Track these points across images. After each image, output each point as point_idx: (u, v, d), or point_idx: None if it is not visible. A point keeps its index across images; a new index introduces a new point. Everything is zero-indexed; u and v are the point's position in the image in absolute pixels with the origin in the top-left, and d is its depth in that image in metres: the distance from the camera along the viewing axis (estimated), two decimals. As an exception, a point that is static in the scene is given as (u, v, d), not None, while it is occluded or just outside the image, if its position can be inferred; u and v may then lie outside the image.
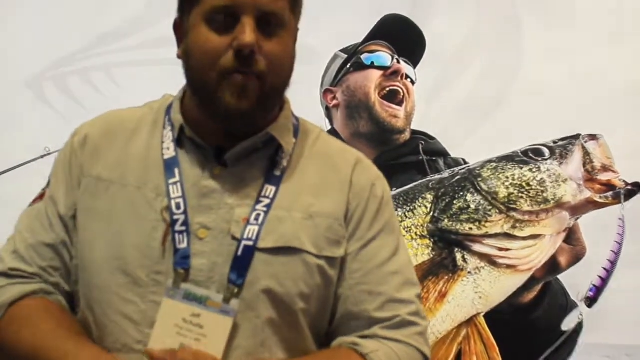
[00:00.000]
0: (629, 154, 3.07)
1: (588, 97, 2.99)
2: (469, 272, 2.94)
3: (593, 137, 3.04)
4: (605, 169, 3.00)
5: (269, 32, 1.41)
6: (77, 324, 1.51)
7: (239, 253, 1.43)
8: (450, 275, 2.94)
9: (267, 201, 1.47)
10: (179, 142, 1.52)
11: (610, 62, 3.01)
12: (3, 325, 1.50)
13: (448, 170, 3.13)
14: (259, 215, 1.46)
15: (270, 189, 1.49)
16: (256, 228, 1.45)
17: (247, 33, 1.38)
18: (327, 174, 1.54)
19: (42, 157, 3.19)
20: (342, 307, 1.51)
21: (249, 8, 1.38)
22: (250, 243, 1.44)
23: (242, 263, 1.43)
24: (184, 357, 1.32)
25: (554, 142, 3.06)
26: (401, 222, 3.01)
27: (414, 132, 3.27)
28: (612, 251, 3.06)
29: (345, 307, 1.50)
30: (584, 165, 2.99)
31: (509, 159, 3.04)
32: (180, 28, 1.50)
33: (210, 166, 1.49)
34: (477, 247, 2.94)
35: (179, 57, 1.49)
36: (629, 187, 2.98)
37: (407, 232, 3.00)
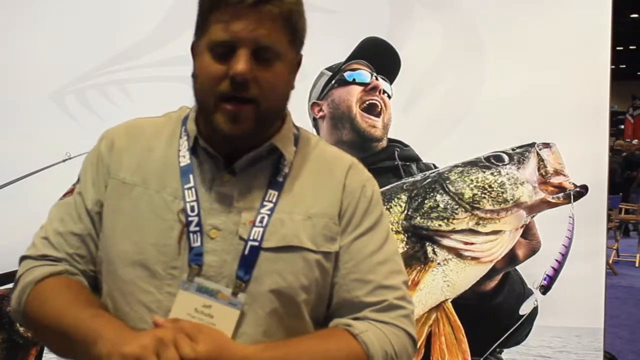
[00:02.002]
0: (578, 161, 3.08)
1: (543, 110, 3.02)
2: (439, 264, 2.95)
3: (547, 145, 3.05)
4: (557, 173, 3.01)
5: (264, 62, 1.41)
6: (94, 298, 1.51)
7: (246, 252, 1.43)
8: (422, 266, 2.95)
9: (270, 205, 1.47)
10: (193, 150, 1.52)
11: (562, 80, 3.05)
12: (29, 300, 1.50)
13: (420, 174, 3.14)
14: (263, 218, 1.45)
15: (273, 194, 1.48)
16: (261, 230, 1.44)
17: (241, 63, 1.37)
18: (324, 178, 1.54)
19: (63, 161, 3.17)
20: (337, 295, 1.50)
21: (245, 42, 1.38)
22: (256, 243, 1.44)
23: (248, 261, 1.43)
24: (183, 325, 1.32)
25: (513, 150, 3.08)
26: (379, 219, 3.01)
27: (390, 140, 3.28)
28: (563, 245, 3.07)
29: (339, 294, 1.50)
30: (539, 169, 3.00)
31: (474, 164, 3.05)
32: (194, 49, 1.50)
33: (220, 174, 1.48)
34: (445, 242, 2.95)
35: (192, 76, 1.50)
36: (578, 189, 2.99)
37: (384, 228, 3.00)
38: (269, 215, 1.45)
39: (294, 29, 1.46)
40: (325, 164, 1.57)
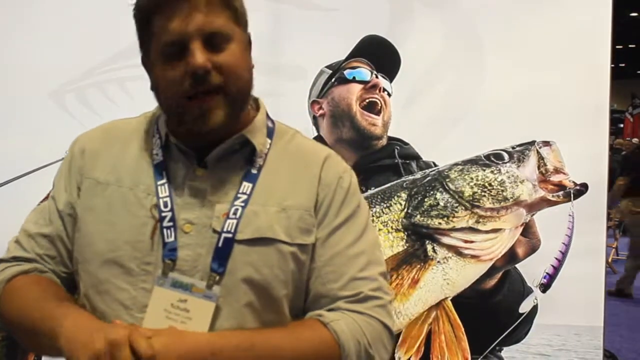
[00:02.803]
0: (578, 159, 3.08)
1: (543, 109, 3.00)
2: (438, 262, 2.95)
3: (547, 143, 3.05)
4: (557, 171, 3.01)
5: (217, 48, 1.40)
6: (62, 291, 1.52)
7: (220, 244, 1.43)
8: (422, 264, 2.95)
9: (244, 197, 1.47)
10: (166, 147, 1.52)
11: (562, 79, 3.03)
12: (1, 300, 1.52)
13: (420, 172, 3.14)
14: (237, 210, 1.45)
15: (247, 186, 1.48)
16: (234, 222, 1.44)
17: (197, 56, 1.37)
18: (299, 171, 1.53)
19: (62, 159, 3.18)
20: (312, 288, 1.50)
21: (192, 35, 1.38)
22: (230, 235, 1.44)
23: (222, 253, 1.43)
24: (139, 328, 1.32)
25: (513, 148, 3.07)
26: (378, 217, 3.02)
27: (390, 138, 3.27)
28: (563, 243, 3.07)
29: (315, 287, 1.50)
30: (539, 168, 3.00)
31: (474, 162, 3.04)
32: (146, 64, 1.50)
33: (193, 168, 1.49)
34: (445, 240, 2.95)
35: (151, 89, 1.50)
36: (578, 187, 2.99)
37: (384, 226, 3.00)
38: (243, 207, 1.45)
39: (233, 8, 1.45)
40: (301, 156, 1.56)
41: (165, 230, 1.45)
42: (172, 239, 1.44)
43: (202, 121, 1.41)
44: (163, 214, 1.46)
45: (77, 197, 1.54)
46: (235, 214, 1.45)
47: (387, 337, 1.50)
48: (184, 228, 1.45)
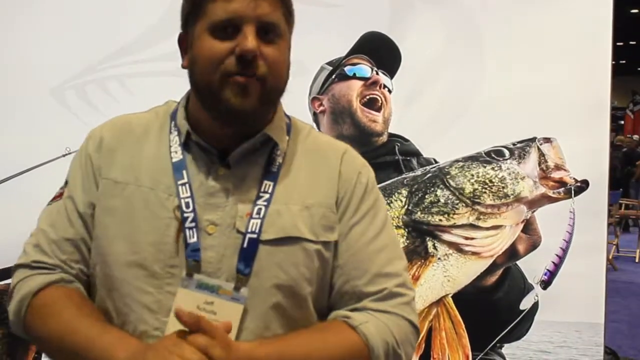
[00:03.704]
0: (579, 156, 3.09)
1: (543, 106, 3.00)
2: (439, 258, 2.95)
3: (547, 139, 3.05)
4: (558, 168, 3.01)
5: (268, 39, 1.39)
6: (97, 310, 1.49)
7: (245, 245, 1.41)
8: (423, 261, 2.95)
9: (266, 196, 1.45)
10: (185, 145, 1.50)
11: (563, 76, 3.02)
12: (30, 313, 1.47)
13: (420, 169, 3.14)
14: (260, 209, 1.44)
15: (268, 185, 1.47)
16: (258, 221, 1.43)
17: (250, 40, 1.36)
18: (319, 167, 1.52)
19: (63, 156, 3.16)
20: (336, 284, 1.49)
21: (250, 19, 1.36)
22: (254, 235, 1.42)
23: (248, 254, 1.41)
24: (204, 325, 1.31)
25: (513, 144, 3.07)
26: (379, 214, 3.02)
27: (390, 135, 3.27)
28: (564, 240, 3.07)
29: (339, 284, 1.49)
30: (540, 164, 3.00)
31: (474, 158, 3.05)
32: (184, 41, 1.48)
33: (215, 167, 1.46)
34: (446, 236, 2.95)
35: (184, 67, 1.47)
36: (579, 184, 2.99)
37: (384, 223, 3.00)
38: (266, 207, 1.44)
39: (289, 9, 1.45)
40: (319, 152, 1.55)
41: (187, 230, 1.42)
42: (195, 239, 1.42)
43: (242, 97, 1.38)
44: (185, 215, 1.43)
45: (96, 196, 1.51)
46: (258, 213, 1.43)
47: (413, 334, 1.50)
48: (208, 229, 1.43)
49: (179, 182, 1.46)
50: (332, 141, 1.63)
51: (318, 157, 1.54)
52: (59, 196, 1.56)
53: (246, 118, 1.41)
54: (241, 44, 1.36)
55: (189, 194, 1.45)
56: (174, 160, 1.48)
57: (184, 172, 1.47)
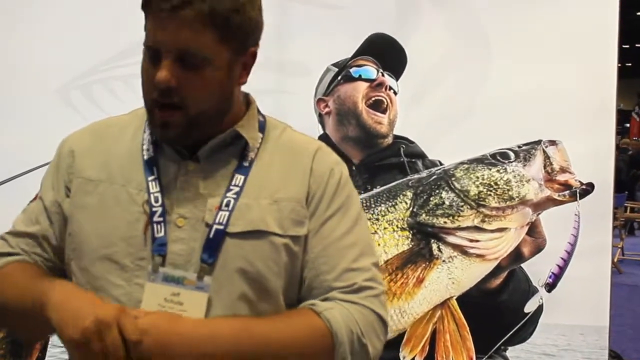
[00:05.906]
0: (584, 159, 3.08)
1: (549, 108, 2.99)
2: (443, 261, 2.95)
3: (553, 142, 3.05)
4: (563, 170, 3.01)
5: (191, 68, 1.41)
6: (51, 275, 1.53)
7: (211, 236, 1.44)
8: (427, 263, 2.95)
9: (236, 189, 1.48)
10: (157, 143, 1.53)
11: (569, 78, 3.01)
12: None
13: (426, 171, 3.14)
14: (229, 202, 1.46)
15: (239, 178, 1.49)
16: (226, 213, 1.45)
17: (162, 71, 1.39)
18: (291, 163, 1.54)
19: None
20: (306, 279, 1.51)
21: (167, 49, 1.39)
22: (221, 227, 1.44)
23: (213, 244, 1.44)
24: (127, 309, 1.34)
25: (519, 147, 3.07)
26: (384, 216, 3.02)
27: (396, 137, 3.28)
28: (569, 243, 3.07)
29: (309, 278, 1.50)
30: (545, 167, 3.00)
31: (479, 161, 3.05)
32: None
33: (185, 163, 1.50)
34: (450, 239, 2.95)
35: None
36: (584, 187, 2.99)
37: (389, 224, 3.00)
38: (235, 200, 1.46)
39: (223, 27, 1.41)
40: (293, 149, 1.57)
41: (155, 225, 1.46)
42: (162, 234, 1.45)
43: (159, 132, 1.44)
44: (154, 209, 1.47)
45: (66, 196, 1.55)
46: (227, 205, 1.46)
47: (380, 327, 1.51)
48: (177, 222, 1.46)
49: (149, 178, 1.49)
50: (307, 139, 1.64)
51: (291, 154, 1.56)
52: (34, 199, 1.62)
53: (176, 143, 1.46)
54: (157, 75, 1.39)
55: (158, 189, 1.48)
56: (145, 157, 1.52)
57: (154, 168, 1.50)
